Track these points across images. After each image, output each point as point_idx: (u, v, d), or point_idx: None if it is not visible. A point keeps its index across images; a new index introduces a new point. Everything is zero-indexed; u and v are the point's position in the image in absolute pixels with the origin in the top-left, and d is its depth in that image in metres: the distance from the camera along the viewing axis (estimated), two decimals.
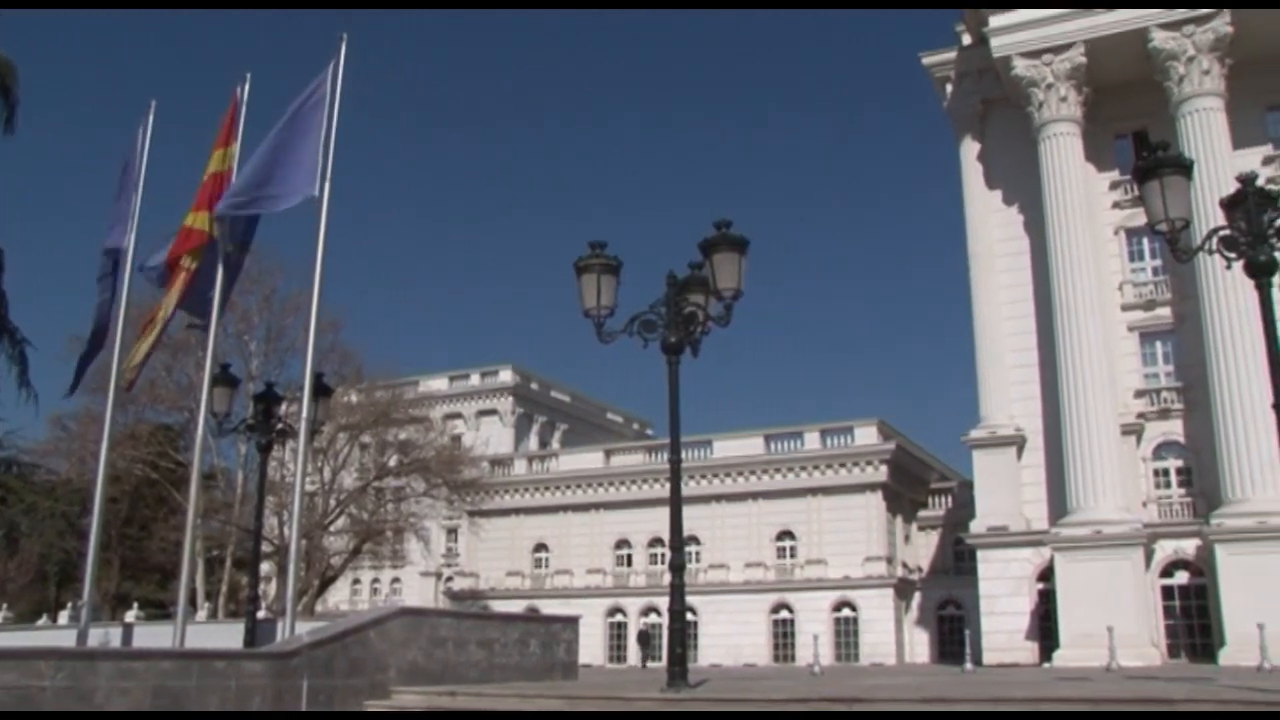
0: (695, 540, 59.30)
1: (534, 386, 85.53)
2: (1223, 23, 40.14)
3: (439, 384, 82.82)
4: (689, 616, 55.38)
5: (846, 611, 57.06)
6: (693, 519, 56.12)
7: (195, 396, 32.91)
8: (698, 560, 59.72)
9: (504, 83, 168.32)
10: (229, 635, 20.45)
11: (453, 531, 72.25)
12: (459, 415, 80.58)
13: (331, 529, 49.29)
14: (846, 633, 56.99)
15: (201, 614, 42.38)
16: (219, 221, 18.68)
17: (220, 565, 48.76)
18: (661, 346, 16.50)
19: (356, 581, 74.10)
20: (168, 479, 45.74)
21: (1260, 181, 15.72)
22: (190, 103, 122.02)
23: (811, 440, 59.80)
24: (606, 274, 16.56)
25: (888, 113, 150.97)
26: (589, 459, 66.79)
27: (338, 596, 69.89)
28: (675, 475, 16.54)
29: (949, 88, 47.42)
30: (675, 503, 16.39)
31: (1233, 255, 15.07)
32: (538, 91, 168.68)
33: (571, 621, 22.79)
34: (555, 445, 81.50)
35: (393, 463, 52.20)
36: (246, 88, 19.78)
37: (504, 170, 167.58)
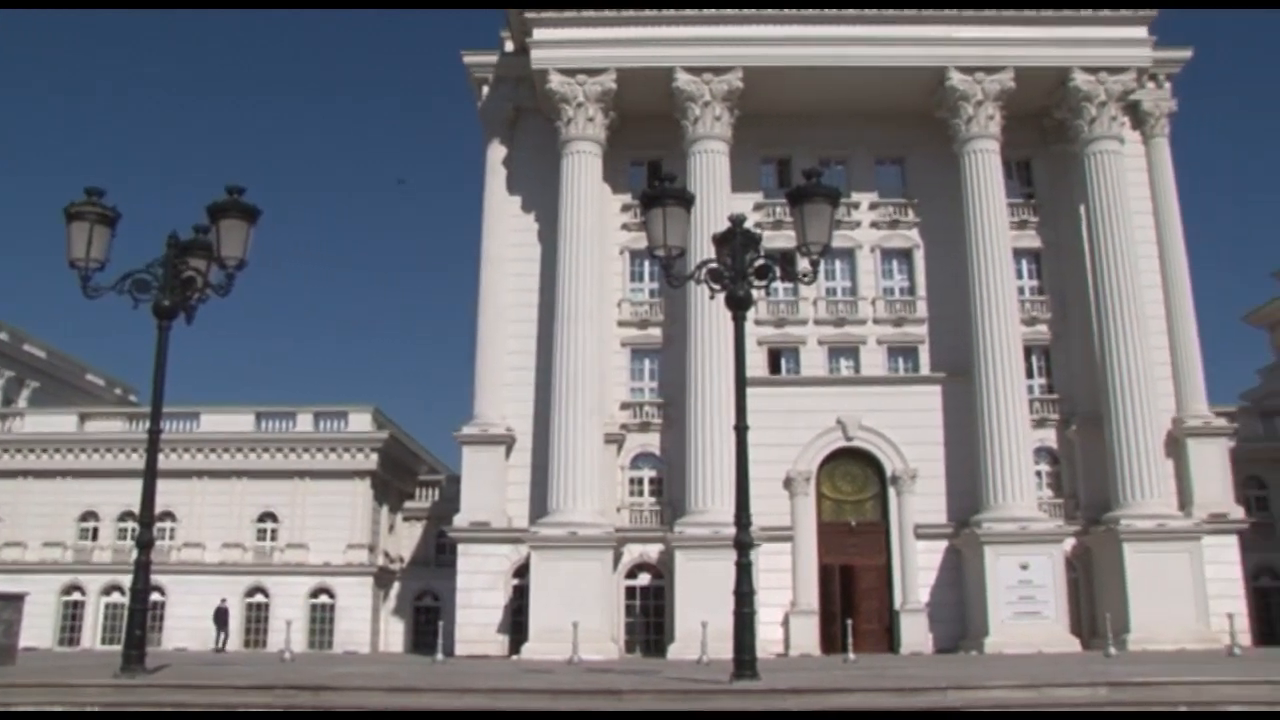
0: (171, 516, 56.13)
1: (2, 337, 77.54)
2: (736, 77, 43.69)
3: None
4: (157, 597, 52.62)
5: (324, 598, 56.28)
6: (170, 494, 53.17)
7: None
8: (171, 538, 56.56)
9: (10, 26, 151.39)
10: None
11: None
12: None
13: None
14: (323, 619, 56.21)
15: None
16: None
17: None
18: (153, 309, 15.60)
19: None
20: None
21: (748, 224, 17.29)
22: None
23: (304, 422, 58.40)
24: (100, 224, 15.44)
25: (424, 105, 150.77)
26: (60, 422, 61.30)
27: None
28: (153, 446, 15.63)
29: (485, 89, 48.21)
30: (150, 475, 15.50)
31: (717, 287, 16.45)
32: (47, 42, 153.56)
33: (15, 600, 20.95)
34: (22, 404, 74.26)
35: None
36: None
37: None
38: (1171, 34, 47.31)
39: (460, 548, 43.88)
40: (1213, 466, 43.90)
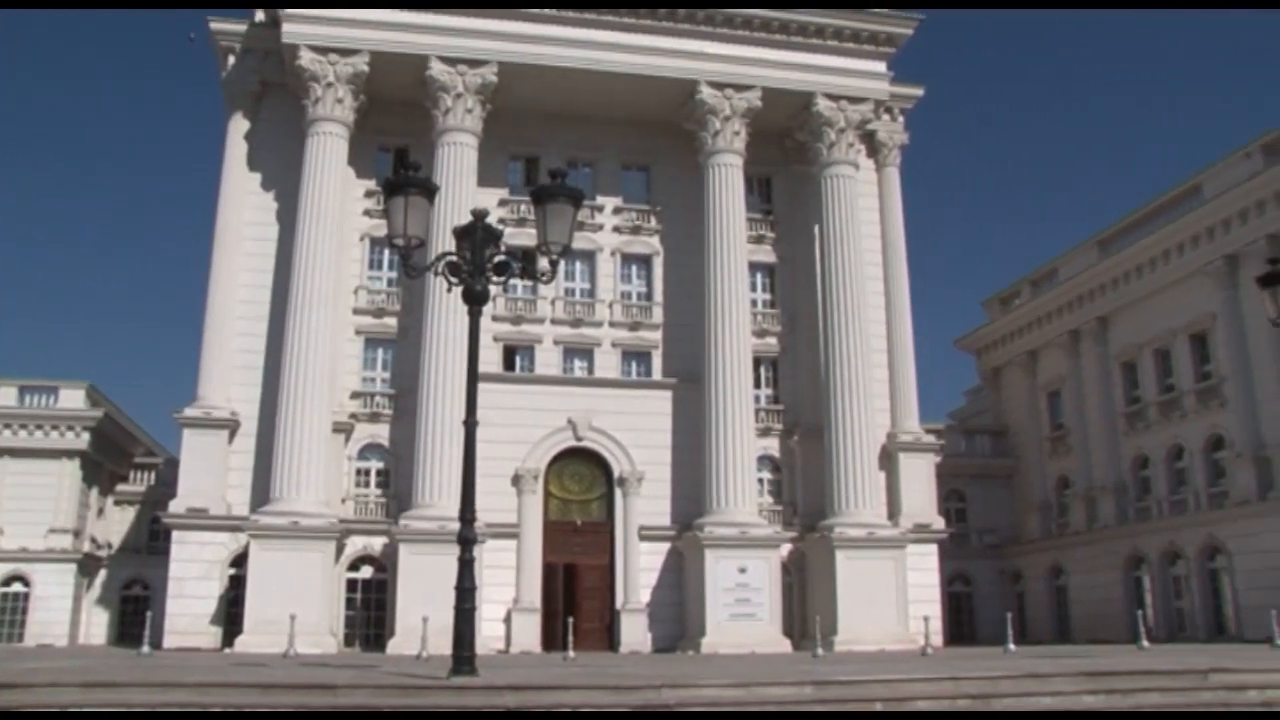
0: None
1: None
2: (490, 71, 43.41)
3: None
4: None
5: (18, 586, 52.78)
6: None
7: None
8: None
9: None
10: None
11: None
12: None
13: None
14: (15, 610, 52.71)
15: None
16: None
17: None
18: None
19: None
20: None
21: (492, 220, 17.26)
22: None
23: (7, 396, 54.58)
24: None
25: (164, 70, 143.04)
26: None
27: None
28: None
29: (231, 59, 46.24)
30: None
31: (455, 280, 16.33)
32: None
33: None
34: None
35: None
36: None
37: None
38: (907, 72, 50.18)
39: (175, 535, 41.92)
40: (920, 479, 46.67)
